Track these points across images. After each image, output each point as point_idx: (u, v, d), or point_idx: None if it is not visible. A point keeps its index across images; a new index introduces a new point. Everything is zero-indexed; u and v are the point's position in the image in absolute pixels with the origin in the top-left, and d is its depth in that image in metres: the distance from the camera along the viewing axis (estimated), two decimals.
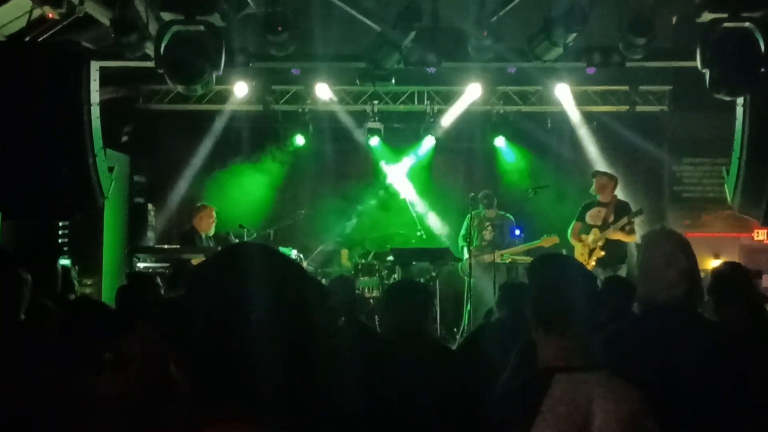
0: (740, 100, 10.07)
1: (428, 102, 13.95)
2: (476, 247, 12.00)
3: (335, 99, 13.55)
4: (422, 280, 12.06)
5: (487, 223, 12.10)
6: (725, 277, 4.98)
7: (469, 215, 12.10)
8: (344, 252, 13.55)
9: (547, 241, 11.81)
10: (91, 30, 10.34)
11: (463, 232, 12.24)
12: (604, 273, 10.34)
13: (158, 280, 7.39)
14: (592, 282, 3.18)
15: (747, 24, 8.93)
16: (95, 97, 10.29)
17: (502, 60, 10.69)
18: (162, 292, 6.97)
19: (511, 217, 12.29)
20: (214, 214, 11.72)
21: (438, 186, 14.19)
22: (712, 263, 12.55)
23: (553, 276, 3.21)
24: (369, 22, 10.01)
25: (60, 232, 11.66)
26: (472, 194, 12.18)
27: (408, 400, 4.75)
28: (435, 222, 13.83)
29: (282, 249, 11.73)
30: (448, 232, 13.49)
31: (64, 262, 10.87)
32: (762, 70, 8.97)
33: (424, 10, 9.64)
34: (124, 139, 13.79)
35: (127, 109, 13.58)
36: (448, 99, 13.80)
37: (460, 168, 14.63)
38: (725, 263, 5.62)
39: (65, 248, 11.62)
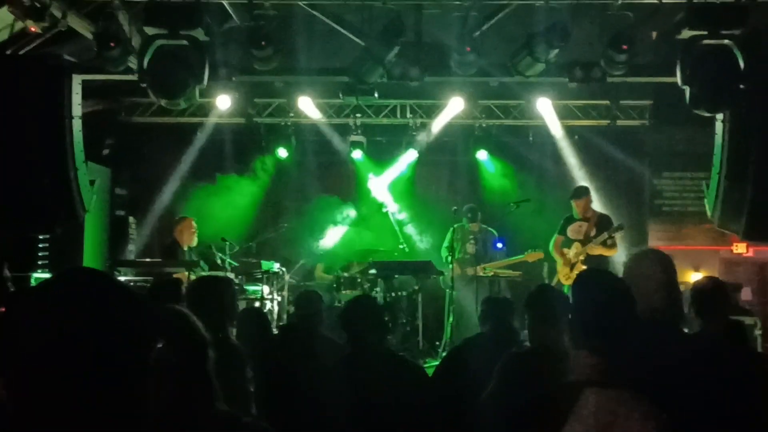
0: (720, 116, 10.16)
1: (411, 115, 13.99)
2: (459, 260, 12.03)
3: (323, 119, 13.60)
4: (404, 294, 12.10)
5: (470, 237, 12.12)
6: (704, 292, 5.03)
7: (452, 228, 12.13)
8: (319, 266, 13.54)
9: (532, 256, 11.83)
10: (73, 43, 10.31)
11: (446, 244, 12.27)
12: None
13: None
14: (631, 301, 3.22)
15: (726, 41, 9.02)
16: (77, 110, 10.26)
17: (485, 75, 10.76)
18: None
19: (494, 231, 12.32)
20: (194, 225, 11.67)
21: (420, 199, 14.21)
22: (692, 276, 12.63)
23: (596, 293, 3.25)
24: (352, 37, 10.05)
25: (40, 245, 11.60)
26: (455, 207, 12.22)
27: (370, 414, 4.74)
28: (417, 235, 13.84)
29: (264, 262, 11.74)
30: (431, 245, 13.51)
31: (44, 276, 10.84)
32: (741, 86, 9.07)
33: (407, 25, 9.69)
34: (106, 152, 13.74)
35: (108, 122, 13.54)
36: (431, 112, 13.84)
37: (442, 181, 14.66)
38: (705, 278, 5.67)
39: (45, 261, 11.55)
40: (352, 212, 13.95)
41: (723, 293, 5.19)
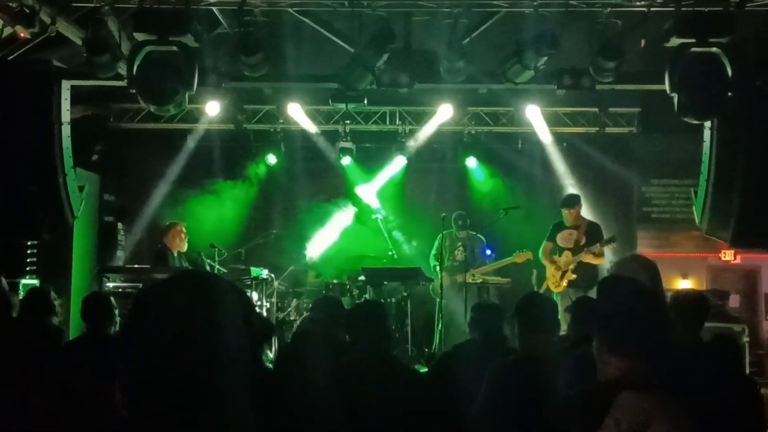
0: (708, 123, 10.21)
1: (400, 122, 14.01)
2: (448, 267, 12.04)
3: (313, 126, 13.60)
4: (393, 300, 12.10)
5: (459, 243, 12.14)
6: (685, 302, 5.05)
7: (440, 235, 12.14)
8: (311, 272, 13.52)
9: (520, 257, 11.88)
10: (62, 49, 10.30)
11: (434, 251, 12.28)
12: (576, 295, 10.39)
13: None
14: (661, 306, 3.25)
15: (714, 49, 9.07)
16: (66, 116, 10.23)
17: (474, 82, 10.77)
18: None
19: (482, 237, 12.34)
20: (184, 230, 11.67)
21: (409, 205, 14.21)
22: (680, 283, 12.71)
23: (626, 297, 3.27)
24: (342, 44, 10.07)
25: (28, 251, 11.56)
26: (444, 214, 12.22)
27: (376, 423, 4.74)
28: (406, 242, 13.84)
29: (253, 269, 11.73)
30: (420, 252, 13.51)
31: (32, 282, 10.81)
32: (729, 94, 9.12)
33: (396, 32, 9.71)
34: (95, 158, 13.72)
35: (97, 128, 13.51)
36: (420, 119, 13.86)
37: (431, 188, 14.65)
38: (687, 289, 5.72)
39: (33, 267, 11.51)
40: (349, 213, 13.91)
41: (704, 304, 5.22)
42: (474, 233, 12.41)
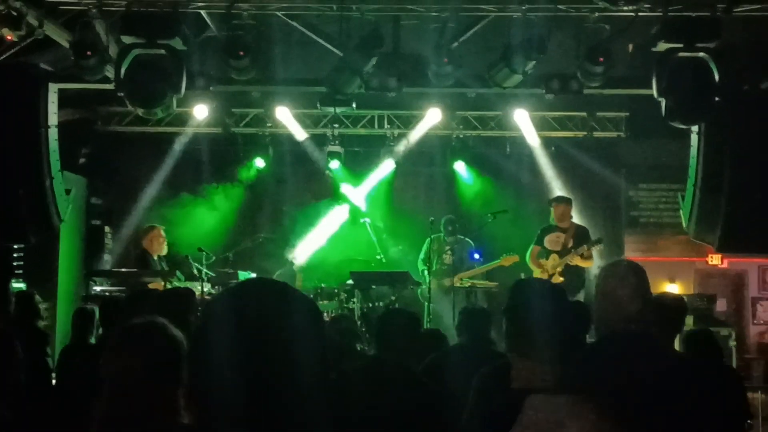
0: (695, 128, 10.25)
1: (388, 126, 13.99)
2: (436, 272, 12.04)
3: (302, 129, 13.59)
4: (381, 304, 12.07)
5: (447, 248, 12.14)
6: (665, 307, 5.07)
7: (428, 239, 12.14)
8: (299, 275, 13.49)
9: (508, 260, 11.88)
10: (49, 51, 10.26)
11: (422, 256, 12.28)
12: None
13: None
14: (566, 307, 3.23)
15: (701, 54, 9.11)
16: (53, 119, 10.22)
17: (462, 86, 10.80)
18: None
19: (470, 241, 12.35)
20: (162, 233, 11.60)
21: (398, 209, 14.19)
22: (667, 287, 12.73)
23: (528, 300, 3.25)
24: (330, 47, 10.06)
25: (15, 255, 11.50)
26: (432, 218, 12.23)
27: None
28: (395, 246, 13.81)
29: (240, 273, 11.70)
30: (408, 256, 13.49)
31: (19, 285, 10.74)
32: (716, 99, 9.15)
33: (385, 36, 9.72)
34: (82, 161, 13.66)
35: (85, 131, 13.45)
36: (408, 123, 13.85)
37: (420, 191, 14.65)
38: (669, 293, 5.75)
39: (20, 271, 11.45)
40: (342, 212, 13.91)
41: (683, 310, 5.24)
42: (462, 237, 12.42)
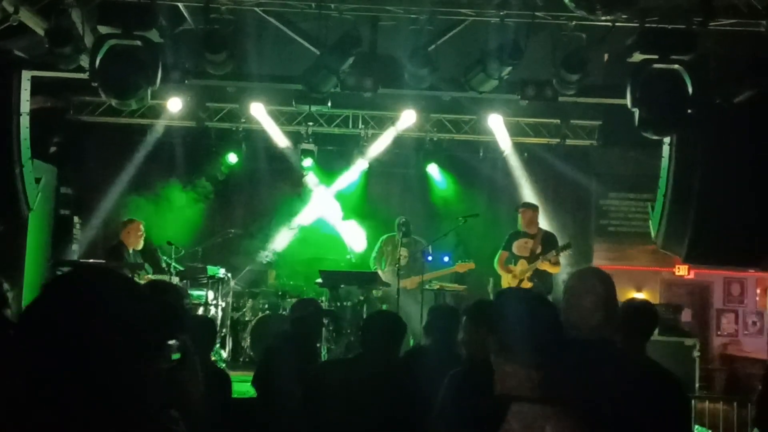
0: (667, 139, 10.34)
1: (363, 126, 13.99)
2: (388, 271, 12.10)
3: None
4: (349, 304, 12.06)
5: (401, 247, 12.09)
6: (634, 311, 5.09)
7: (381, 238, 12.21)
8: (272, 273, 13.47)
9: (462, 267, 11.90)
10: (23, 38, 10.16)
11: (374, 254, 12.34)
12: None
13: None
14: (554, 315, 3.24)
15: (676, 66, 9.19)
16: (26, 106, 10.13)
17: (438, 89, 10.82)
18: None
19: (424, 242, 12.34)
20: (142, 228, 11.59)
21: (370, 210, 14.17)
22: (633, 296, 12.81)
23: (517, 307, 3.26)
24: (308, 45, 10.05)
25: None
26: (400, 218, 12.26)
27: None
28: (365, 246, 13.80)
29: (210, 268, 11.66)
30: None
31: None
32: (689, 111, 9.24)
33: (362, 36, 9.72)
34: (53, 149, 13.54)
35: (56, 120, 13.32)
36: (383, 124, 13.86)
37: (392, 192, 14.64)
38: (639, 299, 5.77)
39: None
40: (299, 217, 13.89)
41: (653, 316, 5.27)
42: (417, 238, 12.43)
